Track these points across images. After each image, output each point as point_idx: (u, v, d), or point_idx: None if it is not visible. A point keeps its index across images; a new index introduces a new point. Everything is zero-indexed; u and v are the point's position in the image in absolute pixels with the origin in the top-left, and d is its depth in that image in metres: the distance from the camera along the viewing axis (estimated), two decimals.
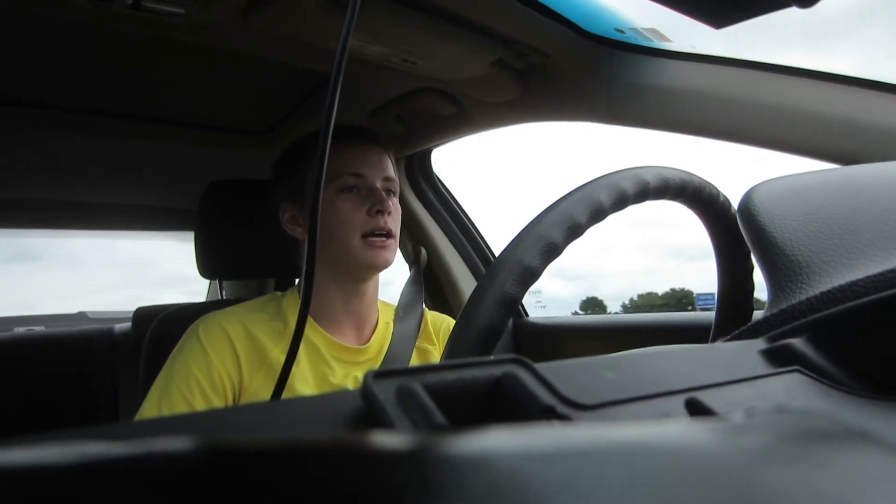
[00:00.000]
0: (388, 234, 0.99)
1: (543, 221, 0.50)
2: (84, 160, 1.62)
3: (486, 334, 0.46)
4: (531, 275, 0.48)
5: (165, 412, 0.86)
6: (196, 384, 0.88)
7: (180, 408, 0.87)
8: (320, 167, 0.43)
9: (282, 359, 0.92)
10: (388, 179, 1.03)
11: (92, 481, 0.12)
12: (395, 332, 1.07)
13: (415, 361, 1.06)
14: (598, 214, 0.52)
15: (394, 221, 1.01)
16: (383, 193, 0.99)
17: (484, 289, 0.47)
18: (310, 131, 1.08)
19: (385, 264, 1.00)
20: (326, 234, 0.97)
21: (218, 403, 0.89)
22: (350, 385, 0.97)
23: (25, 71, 1.22)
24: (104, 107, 1.42)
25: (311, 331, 0.99)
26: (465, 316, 0.47)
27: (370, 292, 1.06)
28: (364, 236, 0.97)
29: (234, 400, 0.91)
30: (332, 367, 0.98)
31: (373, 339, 1.05)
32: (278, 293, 1.06)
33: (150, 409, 0.88)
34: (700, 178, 0.59)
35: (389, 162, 1.05)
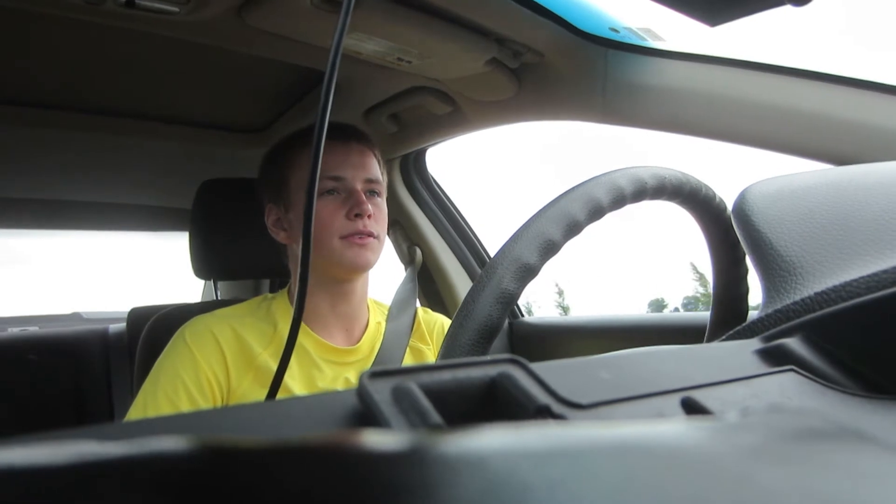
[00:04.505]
0: (370, 236, 0.97)
1: (542, 218, 0.50)
2: (77, 159, 1.61)
3: (483, 331, 0.46)
4: (529, 272, 0.48)
5: (151, 415, 0.85)
6: (183, 387, 0.88)
7: (166, 411, 0.86)
8: (314, 168, 0.43)
9: (270, 362, 0.92)
10: (370, 181, 1.00)
11: (86, 481, 0.12)
12: (388, 330, 1.07)
13: (408, 361, 1.06)
14: (596, 213, 0.52)
15: (376, 224, 0.98)
16: (363, 196, 0.97)
17: (482, 285, 0.47)
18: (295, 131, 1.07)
19: (367, 264, 0.98)
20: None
21: (205, 406, 0.88)
22: (341, 387, 0.97)
23: (17, 69, 1.22)
24: (96, 105, 1.41)
25: (301, 333, 0.97)
26: (462, 312, 0.47)
27: (358, 292, 1.05)
28: (343, 237, 0.96)
29: (222, 403, 0.91)
30: (322, 369, 0.97)
31: (363, 339, 1.04)
32: (269, 295, 1.05)
33: (136, 413, 0.88)
34: (697, 179, 0.60)
35: (374, 161, 1.03)
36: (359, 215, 0.96)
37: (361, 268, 0.99)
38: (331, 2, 0.86)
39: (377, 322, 1.09)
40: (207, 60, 1.25)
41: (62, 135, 1.46)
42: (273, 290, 1.37)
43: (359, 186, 0.98)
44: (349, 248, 0.96)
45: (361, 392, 0.22)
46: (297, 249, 0.98)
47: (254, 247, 1.24)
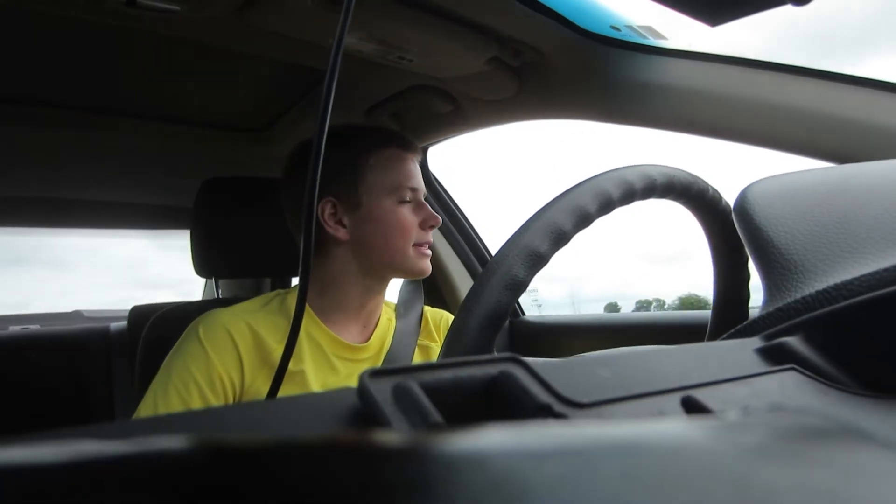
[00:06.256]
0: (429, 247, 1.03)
1: (553, 208, 0.50)
2: (78, 158, 1.61)
3: (492, 316, 0.46)
4: (539, 260, 0.49)
5: (162, 412, 0.85)
6: (195, 385, 0.87)
7: (177, 409, 0.85)
8: (315, 166, 0.43)
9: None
10: (425, 196, 1.06)
11: (88, 480, 0.12)
12: (397, 329, 1.07)
13: (417, 358, 1.07)
14: (606, 206, 0.53)
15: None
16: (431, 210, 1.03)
17: (492, 270, 0.47)
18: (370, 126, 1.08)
19: (428, 272, 1.03)
20: (382, 238, 0.98)
21: (216, 405, 0.88)
22: (354, 384, 0.97)
23: (18, 68, 1.22)
24: (98, 104, 1.41)
25: (316, 329, 0.98)
26: (471, 296, 0.47)
27: (384, 292, 1.07)
28: (416, 246, 1.00)
29: (234, 401, 0.89)
30: (336, 366, 0.97)
31: (374, 336, 1.05)
32: (282, 291, 1.05)
33: (146, 409, 0.87)
34: (704, 180, 0.60)
35: None
36: (432, 226, 1.02)
37: (423, 274, 1.04)
38: (332, 0, 0.86)
39: (388, 319, 1.10)
40: (209, 59, 1.25)
41: (63, 134, 1.46)
42: (274, 288, 1.37)
43: (423, 199, 1.04)
44: (420, 258, 1.01)
45: (362, 391, 0.22)
46: (352, 247, 1.00)
47: (255, 245, 1.24)
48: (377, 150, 1.01)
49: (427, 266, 1.02)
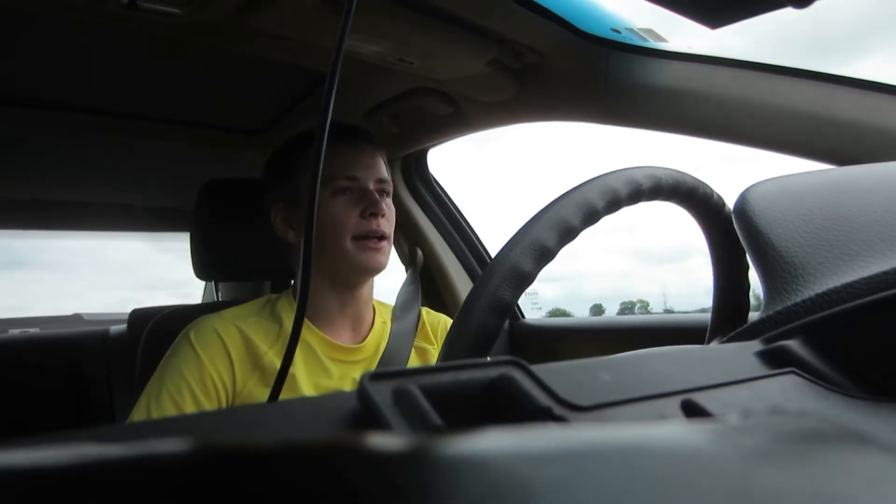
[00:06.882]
0: (382, 237, 0.98)
1: (536, 225, 0.50)
2: (77, 160, 1.62)
3: (480, 340, 0.46)
4: (524, 279, 0.48)
5: (155, 416, 0.85)
6: (187, 389, 0.88)
7: (170, 413, 0.86)
8: (316, 168, 0.43)
9: (276, 361, 0.92)
10: (381, 181, 1.01)
11: (88, 483, 0.12)
12: (393, 331, 1.07)
13: (413, 361, 1.06)
14: (591, 217, 0.52)
15: (388, 224, 0.99)
16: (377, 195, 0.98)
17: (478, 294, 0.47)
18: (304, 130, 1.07)
19: (378, 267, 0.99)
20: (319, 237, 0.95)
21: (209, 408, 0.88)
22: (347, 386, 0.97)
23: (18, 70, 1.22)
24: (98, 106, 1.41)
25: (307, 331, 0.98)
26: (459, 322, 0.47)
27: (365, 293, 1.05)
28: (356, 239, 0.96)
29: (226, 404, 0.90)
30: (328, 368, 0.97)
31: (369, 337, 1.04)
32: (273, 295, 1.05)
33: (139, 414, 0.87)
34: (693, 177, 0.59)
35: (382, 162, 1.04)
36: (374, 214, 0.97)
37: (374, 271, 0.99)
38: (332, 3, 0.86)
39: (383, 321, 1.09)
40: (209, 61, 1.25)
41: (64, 135, 1.46)
42: (274, 291, 1.37)
43: (371, 186, 0.99)
44: (362, 251, 0.96)
45: (362, 394, 0.22)
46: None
47: (256, 248, 1.24)
48: (310, 144, 0.99)
49: (375, 260, 0.97)
